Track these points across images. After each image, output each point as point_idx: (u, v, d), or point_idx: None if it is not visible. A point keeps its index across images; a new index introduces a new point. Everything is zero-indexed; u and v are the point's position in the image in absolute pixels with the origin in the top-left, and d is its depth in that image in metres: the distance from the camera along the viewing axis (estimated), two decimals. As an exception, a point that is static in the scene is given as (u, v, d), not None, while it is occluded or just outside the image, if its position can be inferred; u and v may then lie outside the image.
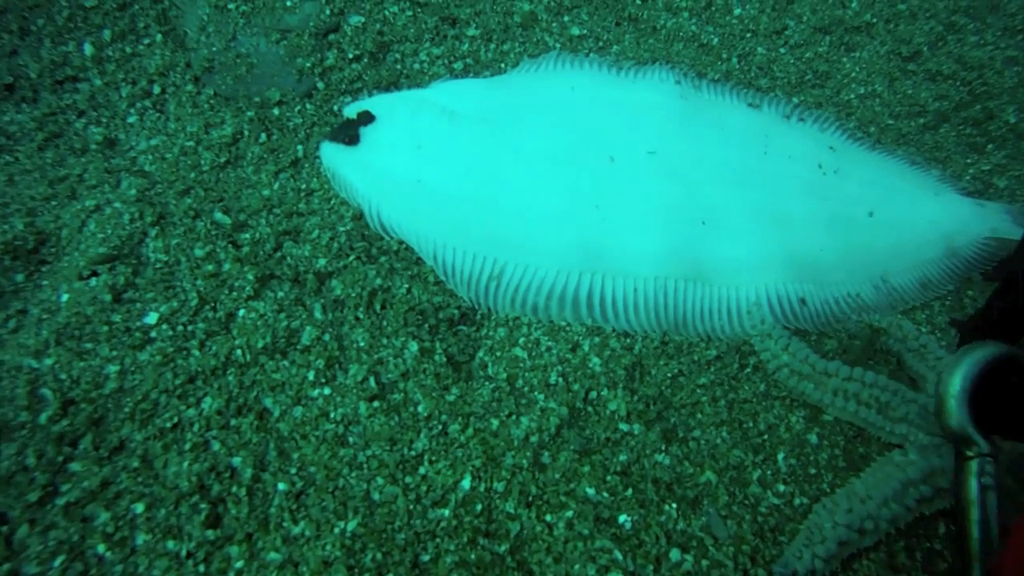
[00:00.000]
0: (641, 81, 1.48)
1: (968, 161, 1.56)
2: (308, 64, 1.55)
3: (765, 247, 1.31)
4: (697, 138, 1.37)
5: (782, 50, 1.63)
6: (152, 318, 1.18)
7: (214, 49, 1.59)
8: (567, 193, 1.28)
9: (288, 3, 1.59)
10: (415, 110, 1.37)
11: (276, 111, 1.54)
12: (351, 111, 1.40)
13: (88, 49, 1.61)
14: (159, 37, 1.63)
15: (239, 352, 1.16)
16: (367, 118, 1.38)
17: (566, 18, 1.61)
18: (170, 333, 1.17)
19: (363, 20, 1.57)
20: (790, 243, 1.33)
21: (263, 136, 1.51)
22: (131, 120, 1.56)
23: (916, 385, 1.25)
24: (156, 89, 1.59)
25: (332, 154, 1.38)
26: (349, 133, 1.37)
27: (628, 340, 1.23)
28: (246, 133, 1.51)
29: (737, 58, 1.61)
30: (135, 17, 1.65)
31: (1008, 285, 1.04)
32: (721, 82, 1.56)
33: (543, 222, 1.27)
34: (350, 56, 1.55)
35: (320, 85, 1.55)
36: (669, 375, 1.19)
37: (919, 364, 1.25)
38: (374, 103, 1.42)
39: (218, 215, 1.36)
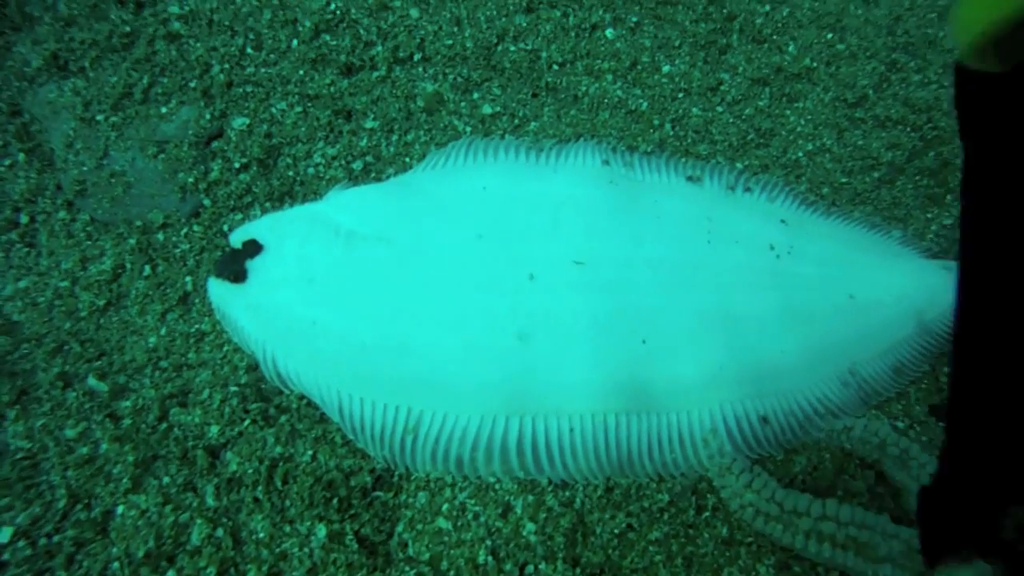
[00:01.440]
0: (563, 167, 1.31)
1: (928, 216, 1.41)
2: (191, 179, 1.36)
3: (716, 359, 1.15)
4: (630, 236, 1.20)
5: (719, 108, 1.47)
6: (5, 535, 1.00)
7: (85, 168, 1.39)
8: (483, 323, 1.11)
9: (163, 110, 1.40)
10: (307, 234, 1.20)
11: (160, 236, 1.35)
12: (237, 239, 1.22)
13: (-57, 179, 1.41)
14: (21, 157, 1.43)
15: (116, 566, 0.99)
16: (253, 249, 1.20)
17: (475, 95, 1.44)
18: (28, 552, 0.99)
19: (247, 122, 1.39)
20: (744, 350, 1.17)
21: (147, 269, 1.33)
22: (-4, 259, 1.37)
23: (900, 498, 1.10)
24: (23, 218, 1.40)
25: (220, 292, 1.20)
26: (234, 269, 1.19)
27: (567, 493, 1.07)
28: (128, 266, 1.33)
29: (671, 123, 1.45)
30: (-7, 136, 1.45)
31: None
32: (655, 153, 1.40)
33: (460, 360, 1.10)
34: (236, 166, 1.37)
35: (207, 202, 1.36)
36: (616, 531, 1.03)
37: (901, 473, 1.10)
38: (262, 227, 1.23)
39: (92, 381, 1.18)
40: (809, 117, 1.47)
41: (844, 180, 1.43)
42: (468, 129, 1.41)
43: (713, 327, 1.17)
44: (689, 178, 1.35)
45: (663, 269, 1.19)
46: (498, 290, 1.13)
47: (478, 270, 1.14)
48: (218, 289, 1.20)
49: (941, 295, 1.29)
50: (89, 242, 1.37)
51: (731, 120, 1.47)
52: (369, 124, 1.39)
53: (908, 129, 1.47)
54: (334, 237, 1.18)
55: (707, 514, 1.06)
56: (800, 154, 1.44)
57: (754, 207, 1.35)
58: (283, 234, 1.21)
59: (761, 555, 1.02)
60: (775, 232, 1.30)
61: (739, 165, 1.43)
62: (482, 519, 1.04)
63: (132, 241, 1.34)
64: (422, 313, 1.12)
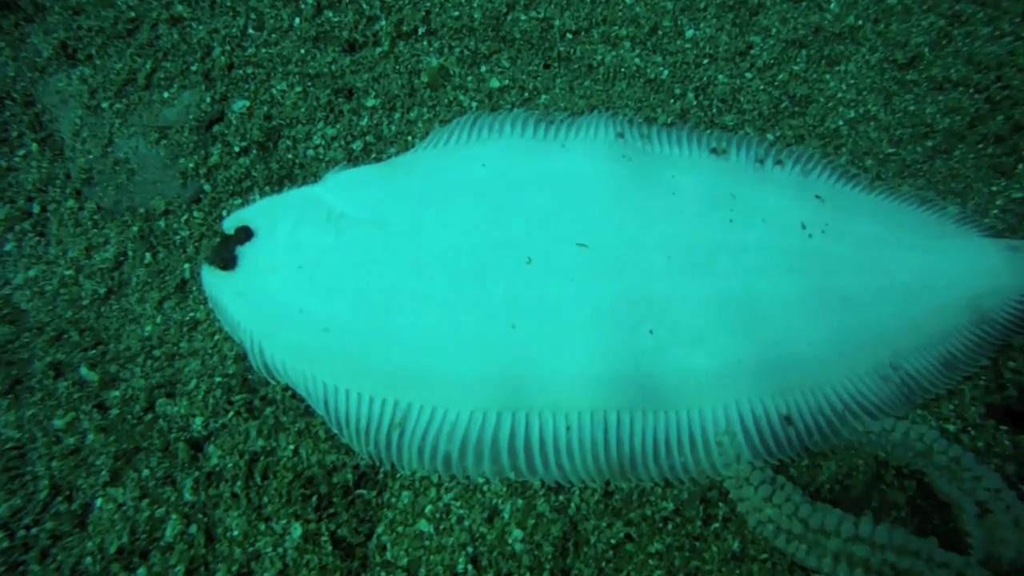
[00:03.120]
0: (572, 142, 1.19)
1: (993, 189, 1.22)
2: (191, 164, 1.31)
3: (733, 350, 1.02)
4: (641, 215, 1.08)
5: (748, 75, 1.32)
6: (-15, 528, 0.97)
7: (91, 156, 1.37)
8: (476, 311, 1.01)
9: (165, 95, 1.36)
10: (299, 218, 1.12)
11: (162, 223, 1.31)
12: (230, 225, 1.16)
13: (-36, 169, 1.41)
14: (34, 146, 1.42)
15: (89, 561, 0.94)
16: (244, 235, 1.13)
17: (483, 68, 1.33)
18: (6, 544, 0.96)
19: (248, 104, 1.33)
20: (766, 340, 1.03)
21: (148, 256, 1.29)
22: (8, 247, 1.36)
23: (949, 516, 0.95)
24: (36, 208, 1.39)
25: (211, 280, 1.14)
26: (223, 255, 1.13)
27: (561, 497, 0.97)
28: (130, 254, 1.30)
29: (694, 92, 1.31)
30: (7, 125, 1.44)
31: None
32: (676, 126, 1.26)
33: (451, 350, 1.01)
34: (236, 149, 1.31)
35: (207, 187, 1.31)
36: (613, 541, 0.92)
37: (950, 486, 0.95)
38: (254, 212, 1.17)
39: (84, 370, 1.15)
40: (852, 81, 1.30)
41: (891, 151, 1.25)
42: (474, 104, 1.30)
43: (731, 315, 1.04)
44: (713, 151, 1.21)
45: (676, 251, 1.06)
46: (493, 275, 1.02)
47: (472, 254, 1.04)
48: (210, 276, 1.14)
49: (1004, 278, 1.11)
50: (95, 230, 1.34)
51: (762, 87, 1.31)
52: (370, 102, 1.31)
53: (971, 91, 1.28)
54: (326, 221, 1.10)
55: (716, 525, 0.93)
56: (840, 123, 1.28)
57: (786, 182, 1.20)
58: (275, 219, 1.14)
59: (776, 574, 0.89)
60: (808, 209, 1.15)
61: (770, 136, 1.28)
62: (466, 523, 0.94)
63: (135, 229, 1.30)
64: (413, 300, 1.03)
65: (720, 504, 0.94)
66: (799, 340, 1.04)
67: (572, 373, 0.99)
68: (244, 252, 1.12)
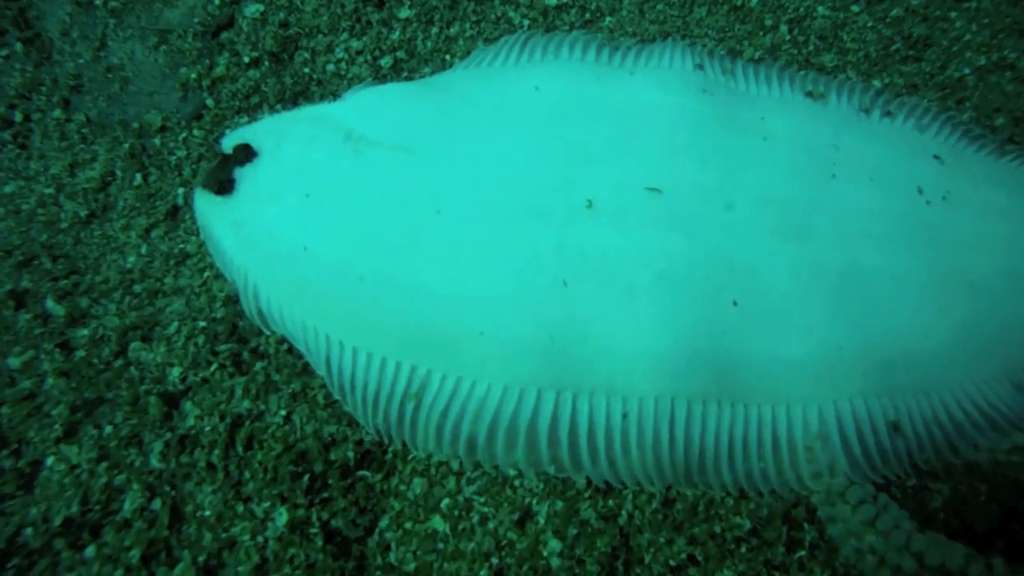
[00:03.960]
0: (642, 71, 0.96)
1: None
2: (193, 75, 1.10)
3: (833, 335, 0.80)
4: (726, 160, 0.86)
5: (855, 8, 1.08)
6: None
7: (81, 61, 1.16)
8: (520, 261, 0.80)
9: (168, -8, 1.15)
10: (310, 139, 0.91)
11: (157, 141, 1.11)
12: (229, 143, 0.96)
13: (-59, 68, 1.21)
14: (19, 47, 1.21)
15: (29, 533, 0.76)
16: (244, 155, 0.93)
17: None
18: (-67, 507, 0.78)
19: (262, 8, 1.11)
20: (873, 327, 0.82)
21: (138, 178, 1.08)
22: (-14, 160, 1.17)
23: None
24: (18, 116, 1.18)
25: (204, 206, 0.94)
26: (220, 177, 0.92)
27: (611, 503, 0.76)
28: (119, 174, 1.09)
29: (788, 24, 1.07)
30: (-9, 22, 1.24)
31: None
32: (766, 62, 1.03)
33: (485, 309, 0.80)
34: (246, 60, 1.10)
35: (210, 102, 1.10)
36: (672, 563, 0.72)
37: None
38: (259, 130, 0.96)
39: (50, 303, 0.96)
40: (985, 21, 1.05)
41: (1029, 108, 1.01)
42: (526, 23, 1.08)
43: (831, 291, 0.82)
44: (809, 94, 0.98)
45: (768, 208, 0.84)
46: (543, 218, 0.81)
47: (519, 192, 0.82)
48: (203, 202, 0.94)
49: None
50: (83, 145, 1.13)
51: (870, 24, 1.07)
52: (404, 13, 1.09)
53: None
54: (342, 144, 0.89)
55: (802, 553, 0.72)
56: (966, 71, 1.03)
57: (897, 137, 0.97)
58: (282, 138, 0.92)
59: (881, 620, 0.68)
60: (925, 171, 0.92)
61: (876, 83, 1.04)
62: (491, 525, 0.74)
63: (126, 146, 1.10)
64: (442, 244, 0.82)
65: (807, 526, 0.74)
66: (914, 330, 0.82)
67: (634, 348, 0.78)
68: (244, 175, 0.91)
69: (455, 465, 0.80)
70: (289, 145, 0.91)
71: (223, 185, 0.91)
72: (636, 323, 0.78)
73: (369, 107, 0.93)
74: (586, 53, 0.98)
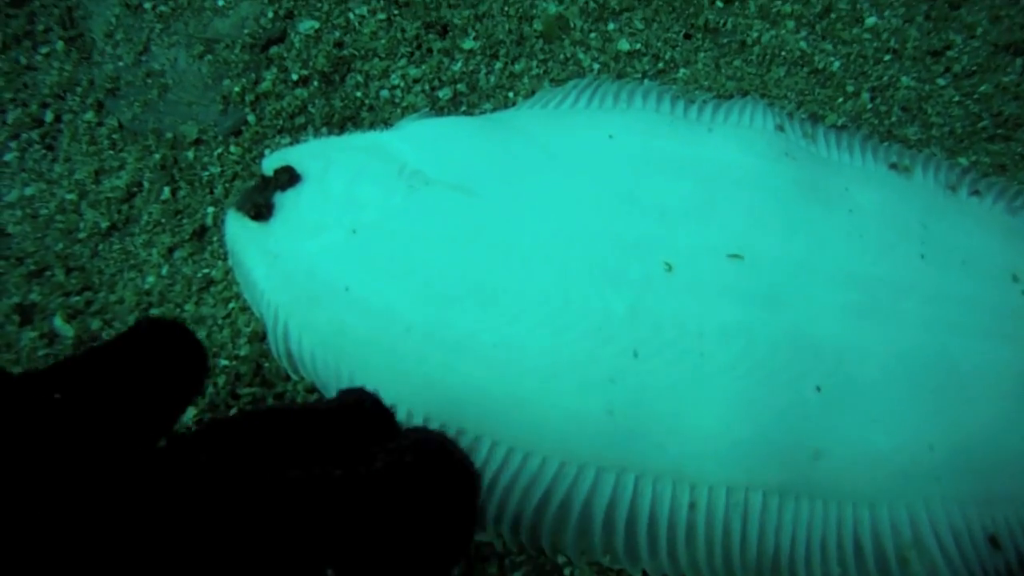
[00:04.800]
0: (721, 128, 0.88)
1: None
2: (237, 89, 1.02)
3: (924, 434, 0.71)
4: (812, 232, 0.77)
5: (941, 81, 1.01)
6: None
7: (121, 64, 1.09)
8: (589, 327, 0.70)
9: (220, 2, 1.07)
10: (361, 168, 0.82)
11: (190, 154, 1.02)
12: (270, 164, 0.87)
13: (-25, 60, 1.14)
14: (60, 45, 1.13)
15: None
16: (287, 178, 0.84)
17: (611, 25, 1.03)
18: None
19: (317, 26, 1.04)
20: (966, 425, 0.72)
21: (166, 191, 1.00)
22: (8, 157, 1.08)
23: None
24: (49, 116, 1.10)
25: (235, 230, 0.85)
26: (257, 201, 0.83)
27: (670, 609, 0.66)
28: (146, 185, 1.01)
29: (870, 92, 1.00)
30: (34, 16, 1.16)
31: None
32: (848, 130, 0.95)
33: (544, 375, 0.70)
34: (294, 78, 1.02)
35: (251, 118, 1.02)
36: None
37: None
38: (304, 152, 0.87)
39: (58, 322, 0.86)
40: (1082, 104, 0.98)
41: None
42: (596, 66, 1.00)
43: (920, 384, 0.73)
44: (893, 166, 0.90)
45: (854, 286, 0.75)
46: (617, 280, 0.72)
47: (592, 247, 0.73)
48: (235, 225, 0.85)
49: None
50: (111, 152, 1.05)
51: (957, 98, 1.00)
52: (468, 44, 1.01)
53: None
54: (396, 177, 0.80)
55: None
56: (1061, 155, 0.96)
57: (988, 219, 0.88)
58: (330, 164, 0.83)
59: None
60: (1020, 257, 0.83)
61: (963, 161, 0.96)
62: (535, 623, 0.64)
63: (157, 156, 1.02)
64: (500, 298, 0.72)
65: (900, 658, 0.63)
66: (1012, 434, 0.73)
67: (708, 431, 0.68)
68: (284, 201, 0.82)
69: (498, 546, 0.69)
70: (337, 173, 0.82)
71: (260, 210, 0.82)
72: (712, 404, 0.69)
73: (427, 140, 0.84)
74: (660, 104, 0.90)
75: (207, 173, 1.00)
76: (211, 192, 0.99)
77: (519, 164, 0.80)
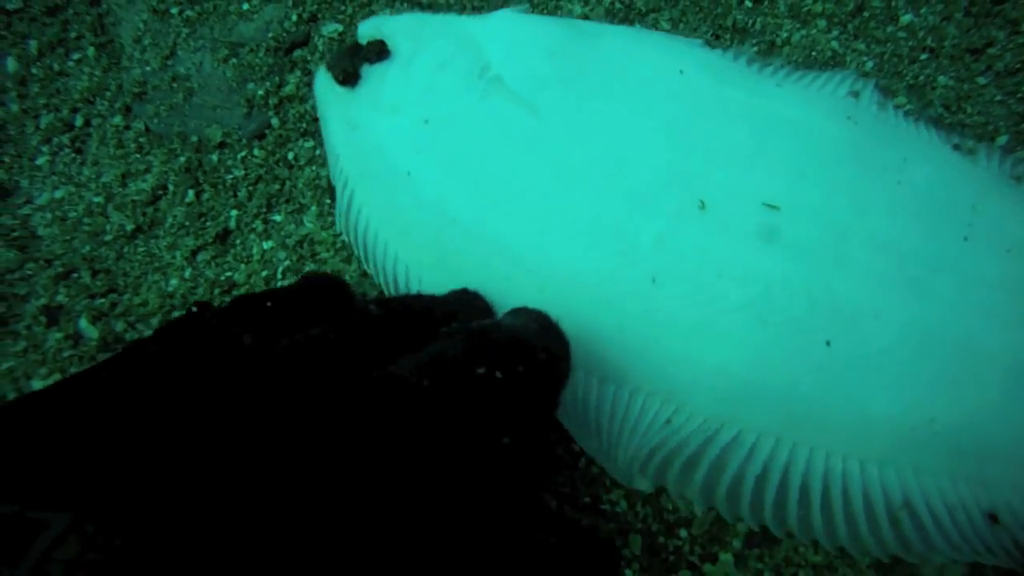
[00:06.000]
0: (791, 86, 0.85)
1: None
2: (261, 92, 1.01)
3: (927, 407, 0.68)
4: (854, 195, 0.74)
5: (982, 79, 0.95)
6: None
7: (148, 68, 1.08)
8: (615, 248, 0.72)
9: (244, 6, 1.07)
10: (448, 59, 0.83)
11: (215, 157, 1.01)
12: (364, 32, 0.88)
13: (11, 65, 1.15)
14: (91, 51, 1.14)
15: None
16: (376, 51, 0.85)
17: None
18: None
19: (341, 29, 1.02)
20: (975, 404, 0.69)
21: (190, 194, 0.99)
22: (40, 161, 1.09)
23: None
24: (79, 120, 1.11)
25: (324, 88, 0.88)
26: (346, 68, 0.84)
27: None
28: (171, 188, 1.00)
29: (906, 91, 0.95)
30: (67, 24, 1.17)
31: None
32: (914, 111, 0.90)
33: (565, 286, 0.73)
34: (318, 81, 1.01)
35: (275, 122, 1.01)
36: None
37: None
38: (398, 27, 0.87)
39: (84, 323, 0.86)
40: None
41: None
42: (617, 68, 0.97)
43: (937, 359, 0.70)
44: (956, 147, 0.85)
45: (886, 254, 0.73)
46: (652, 209, 0.72)
47: (635, 175, 0.74)
48: (323, 83, 0.88)
49: None
50: (138, 155, 1.05)
51: (999, 97, 0.94)
52: (488, 46, 0.99)
53: None
54: (476, 79, 0.81)
55: None
56: (1109, 158, 0.90)
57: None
58: (420, 49, 0.85)
59: None
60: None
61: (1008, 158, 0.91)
62: None
63: (182, 159, 1.01)
64: (537, 208, 0.74)
65: None
66: (1016, 421, 0.69)
67: (705, 363, 0.70)
68: (371, 75, 0.85)
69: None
70: (424, 61, 0.83)
71: (347, 77, 0.85)
72: (715, 339, 0.69)
73: (515, 45, 0.84)
74: (738, 58, 0.87)
75: (231, 176, 1.00)
76: (235, 195, 0.98)
77: (589, 86, 0.80)
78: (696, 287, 0.70)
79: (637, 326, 0.71)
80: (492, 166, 0.77)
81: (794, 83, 0.84)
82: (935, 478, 0.68)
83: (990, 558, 0.67)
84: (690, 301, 0.70)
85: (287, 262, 0.91)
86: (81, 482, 0.36)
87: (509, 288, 0.73)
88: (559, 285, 0.72)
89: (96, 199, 1.02)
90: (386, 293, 0.81)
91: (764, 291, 0.70)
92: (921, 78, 0.96)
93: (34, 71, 1.14)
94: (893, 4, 1.00)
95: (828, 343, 0.68)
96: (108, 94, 1.11)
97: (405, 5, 1.04)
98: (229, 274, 0.91)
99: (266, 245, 0.93)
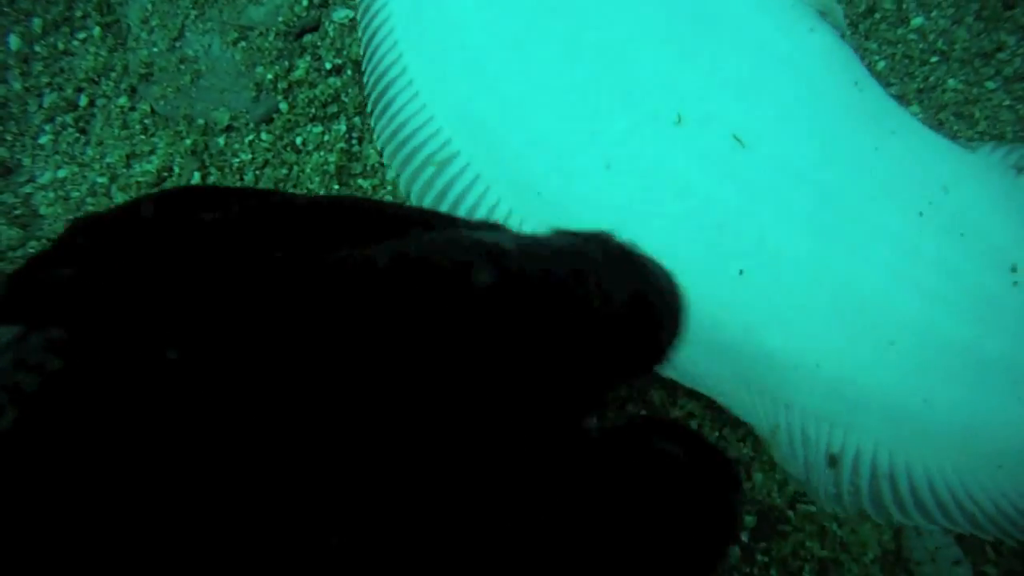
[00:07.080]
0: (820, 36, 0.82)
1: None
2: (270, 76, 1.00)
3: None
4: (824, 150, 0.75)
5: (991, 84, 0.95)
6: None
7: (155, 50, 1.06)
8: (584, 129, 0.75)
9: (255, -11, 1.05)
10: None
11: (221, 140, 1.00)
12: None
13: (14, 42, 1.12)
14: (97, 31, 1.12)
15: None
16: None
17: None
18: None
19: (352, 15, 1.01)
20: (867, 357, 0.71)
21: (196, 176, 0.97)
22: (43, 140, 1.06)
23: None
24: (83, 100, 1.09)
25: None
26: None
27: None
28: (176, 171, 0.98)
29: (916, 94, 0.94)
30: (73, 3, 1.15)
31: None
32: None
33: (540, 152, 0.78)
34: (328, 67, 0.99)
35: (283, 106, 0.99)
36: None
37: None
38: None
39: (84, 301, 0.84)
40: None
41: None
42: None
43: (860, 323, 0.71)
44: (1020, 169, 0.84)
45: (833, 210, 0.73)
46: (629, 106, 0.75)
47: (623, 72, 0.76)
48: None
49: None
50: (143, 136, 1.03)
51: (1007, 102, 0.94)
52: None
53: None
54: None
55: None
56: (1115, 165, 0.90)
57: None
58: None
59: None
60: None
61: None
62: None
63: (188, 142, 0.99)
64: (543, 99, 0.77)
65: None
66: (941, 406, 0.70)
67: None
68: None
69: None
70: None
71: None
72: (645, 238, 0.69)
73: None
74: None
75: (237, 160, 0.98)
76: (241, 179, 0.97)
77: None
78: (643, 186, 0.72)
79: (580, 208, 0.74)
80: (542, 40, 0.78)
81: (823, 35, 0.82)
82: (921, 456, 0.69)
83: (932, 521, 0.68)
84: (636, 197, 0.73)
85: (293, 247, 0.89)
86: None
87: (517, 155, 0.77)
88: (542, 156, 0.75)
89: (100, 179, 1.00)
90: (370, 100, 0.85)
91: (699, 207, 0.71)
92: (931, 80, 0.95)
93: (37, 49, 1.12)
94: (904, 6, 0.99)
95: (741, 272, 0.70)
96: (114, 74, 1.09)
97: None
98: (234, 257, 0.89)
99: (272, 229, 0.91)
